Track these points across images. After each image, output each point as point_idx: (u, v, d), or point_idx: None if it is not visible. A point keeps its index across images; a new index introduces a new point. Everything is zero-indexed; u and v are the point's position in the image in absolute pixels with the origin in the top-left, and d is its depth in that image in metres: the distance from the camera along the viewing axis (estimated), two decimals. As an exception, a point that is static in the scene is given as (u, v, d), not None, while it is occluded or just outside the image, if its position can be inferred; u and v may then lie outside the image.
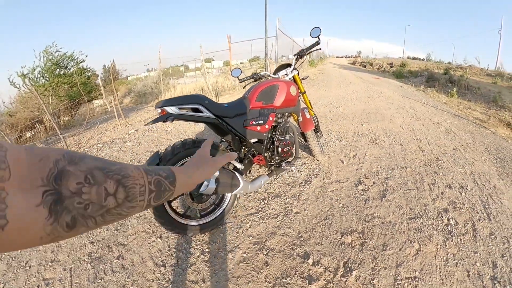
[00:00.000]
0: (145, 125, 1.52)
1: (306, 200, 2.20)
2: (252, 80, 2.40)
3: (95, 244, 1.83)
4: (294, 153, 2.18)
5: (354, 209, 2.06)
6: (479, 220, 1.98)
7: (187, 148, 1.58)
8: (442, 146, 3.41)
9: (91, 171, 0.29)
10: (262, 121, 1.80)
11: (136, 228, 1.96)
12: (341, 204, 2.13)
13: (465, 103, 6.93)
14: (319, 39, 2.28)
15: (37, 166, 0.25)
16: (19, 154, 0.24)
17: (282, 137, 2.02)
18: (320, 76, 12.27)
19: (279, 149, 1.95)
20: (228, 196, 1.85)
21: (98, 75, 10.51)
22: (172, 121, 1.43)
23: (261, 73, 2.38)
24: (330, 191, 2.32)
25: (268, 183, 2.47)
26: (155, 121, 1.45)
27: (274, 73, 2.41)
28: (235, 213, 2.02)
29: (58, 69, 8.72)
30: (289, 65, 2.40)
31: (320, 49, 2.42)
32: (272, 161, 2.03)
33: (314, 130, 2.69)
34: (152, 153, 1.54)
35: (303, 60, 2.44)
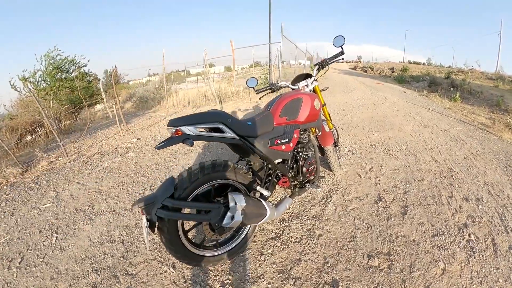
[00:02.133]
0: (157, 147, 1.24)
1: (328, 220, 2.13)
2: (270, 91, 2.27)
3: (99, 272, 1.68)
4: (317, 171, 2.08)
5: (377, 228, 2.05)
6: (498, 234, 2.00)
7: (206, 174, 1.38)
8: (453, 155, 3.45)
9: None
10: (287, 140, 1.68)
11: (144, 255, 1.80)
12: (364, 224, 2.09)
13: (468, 108, 6.97)
14: (342, 48, 2.12)
15: None
16: None
17: (305, 155, 1.93)
18: (323, 82, 12.31)
19: (304, 169, 1.86)
20: None
21: (99, 79, 10.45)
22: (192, 145, 1.25)
23: (280, 83, 2.25)
24: (352, 209, 2.28)
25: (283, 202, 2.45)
26: (169, 143, 1.23)
27: (293, 84, 2.29)
28: (254, 237, 1.87)
29: (59, 73, 8.60)
30: (309, 76, 2.28)
31: (343, 59, 2.30)
32: (295, 181, 1.94)
33: (334, 144, 2.60)
34: (166, 179, 1.33)
35: (325, 70, 2.33)
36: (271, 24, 9.76)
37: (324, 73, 2.39)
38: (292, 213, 2.22)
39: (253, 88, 2.23)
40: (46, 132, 5.96)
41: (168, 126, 1.26)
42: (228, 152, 3.69)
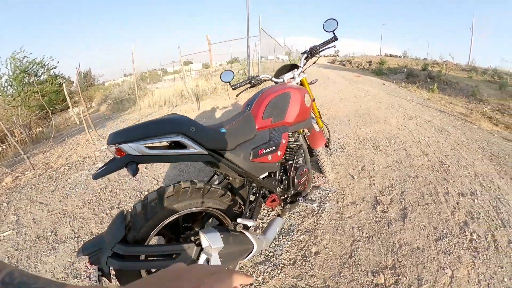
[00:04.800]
0: (94, 177, 0.90)
1: (324, 234, 1.90)
2: (249, 85, 1.89)
3: None
4: (310, 181, 1.76)
5: (379, 238, 1.87)
6: (496, 229, 1.93)
7: (166, 205, 1.01)
8: (441, 147, 3.39)
9: None
10: (274, 147, 1.32)
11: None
12: (364, 234, 1.90)
13: (446, 98, 7.12)
14: (334, 34, 1.75)
15: None
16: None
17: (296, 163, 1.60)
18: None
19: (296, 181, 1.52)
20: None
21: (73, 82, 9.89)
22: (134, 173, 0.89)
23: (261, 76, 1.87)
24: (348, 217, 2.08)
25: (269, 216, 2.13)
26: (108, 168, 0.89)
27: (276, 76, 1.92)
28: (240, 265, 1.59)
29: (27, 77, 8.13)
30: (295, 67, 1.91)
31: (335, 46, 1.89)
32: (286, 196, 1.62)
33: (325, 144, 2.31)
34: (115, 216, 1.00)
35: (314, 60, 1.96)
36: (248, 16, 9.46)
37: (314, 63, 2.05)
38: (282, 228, 1.95)
39: (229, 82, 1.86)
40: (17, 141, 5.44)
41: (107, 143, 0.89)
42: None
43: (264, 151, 1.27)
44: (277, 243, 1.82)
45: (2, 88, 7.69)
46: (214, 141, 1.07)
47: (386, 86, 9.05)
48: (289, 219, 2.06)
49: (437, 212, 2.11)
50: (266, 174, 1.41)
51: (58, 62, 9.06)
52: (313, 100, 2.05)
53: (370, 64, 17.78)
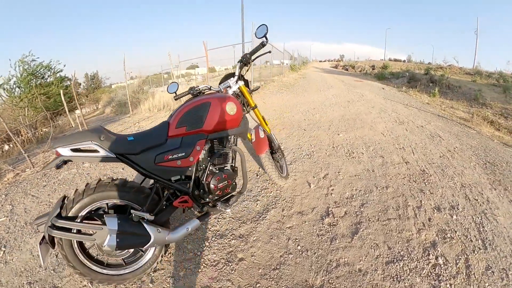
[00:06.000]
0: (41, 170, 1.34)
1: (256, 241, 1.78)
2: (190, 96, 1.93)
3: (32, 285, 1.63)
4: (241, 186, 1.77)
5: (315, 253, 1.63)
6: (474, 252, 1.62)
7: (89, 194, 1.31)
8: (428, 155, 3.06)
9: None
10: (184, 153, 1.43)
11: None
12: (299, 247, 1.70)
13: (447, 103, 6.79)
14: (266, 39, 1.82)
15: None
16: None
17: (216, 169, 1.63)
18: (301, 81, 12.03)
19: (211, 186, 1.55)
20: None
21: (80, 84, 10.36)
22: (58, 167, 1.24)
23: (200, 87, 1.92)
24: (289, 227, 1.88)
25: (216, 218, 2.06)
26: (49, 165, 1.26)
27: (221, 85, 1.98)
28: (170, 257, 1.71)
29: (34, 79, 8.50)
30: (232, 75, 1.97)
31: (270, 52, 2.01)
32: (207, 200, 1.62)
33: (271, 151, 2.28)
34: (59, 198, 1.35)
35: (248, 67, 2.00)
36: (243, 22, 9.43)
37: (247, 70, 2.02)
38: (218, 231, 1.92)
39: (175, 92, 1.95)
40: (23, 139, 5.80)
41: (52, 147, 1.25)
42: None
43: (171, 157, 1.40)
44: (208, 243, 1.81)
45: (10, 90, 8.03)
46: (121, 146, 1.30)
47: (385, 91, 8.73)
48: (227, 223, 2.00)
49: (399, 230, 1.79)
50: (178, 177, 1.53)
51: (64, 65, 9.46)
52: (255, 107, 2.06)
53: (373, 69, 17.46)
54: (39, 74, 8.74)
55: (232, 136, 1.73)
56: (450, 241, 1.69)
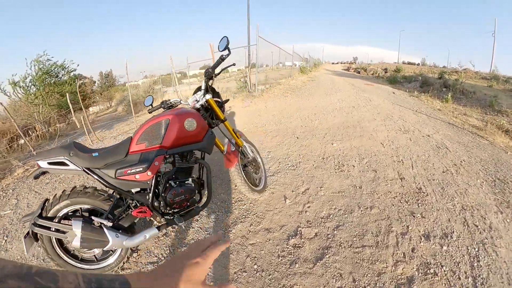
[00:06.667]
0: (26, 179, 1.58)
1: None
2: (162, 109, 2.04)
3: None
4: (205, 199, 1.82)
5: (270, 275, 1.51)
6: None
7: (63, 200, 1.52)
8: (429, 169, 2.79)
9: None
10: (141, 168, 1.53)
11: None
12: (255, 266, 1.62)
13: (460, 109, 6.38)
14: (228, 50, 1.84)
15: None
16: None
17: (175, 183, 1.68)
18: (309, 84, 11.74)
19: (168, 200, 1.62)
20: None
21: (95, 82, 10.94)
22: (37, 177, 1.48)
23: (172, 100, 2.02)
24: (251, 244, 1.80)
25: (185, 227, 2.08)
26: (30, 175, 1.55)
27: (190, 98, 2.05)
28: (138, 258, 1.84)
29: (48, 78, 8.92)
30: (199, 89, 2.00)
31: (234, 64, 2.06)
32: (166, 211, 1.72)
33: (243, 164, 2.25)
34: (42, 200, 1.61)
35: (213, 81, 2.01)
36: (249, 25, 9.36)
37: (211, 84, 2.03)
38: (185, 239, 1.99)
39: (151, 105, 2.08)
40: (37, 135, 6.30)
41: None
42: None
43: (130, 171, 1.52)
44: (172, 250, 1.87)
45: (26, 88, 8.39)
46: (86, 161, 1.47)
47: (395, 95, 8.35)
48: (194, 232, 2.04)
49: (372, 260, 1.57)
50: (138, 189, 1.63)
51: (78, 65, 9.91)
52: (224, 120, 2.05)
53: (385, 72, 16.90)
54: (53, 73, 9.19)
55: (195, 151, 1.77)
56: (432, 278, 1.46)
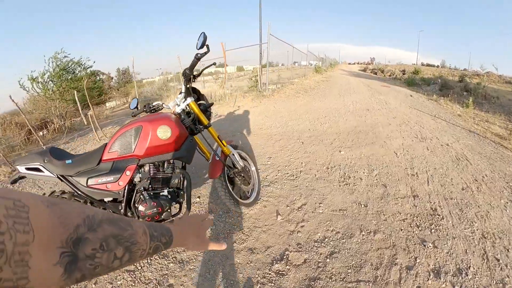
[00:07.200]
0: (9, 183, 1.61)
1: (191, 270, 1.65)
2: (145, 113, 1.93)
3: None
4: (184, 211, 1.74)
5: None
6: None
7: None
8: (446, 186, 2.51)
9: (106, 239, 0.32)
10: (112, 178, 1.50)
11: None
12: None
13: (482, 115, 5.99)
14: (207, 48, 1.65)
15: (57, 229, 0.27)
16: (41, 212, 0.26)
17: (148, 194, 1.57)
18: (323, 85, 11.41)
19: (139, 211, 1.55)
20: None
21: (112, 78, 11.75)
22: (15, 182, 1.51)
23: (154, 103, 1.90)
24: (231, 264, 1.66)
25: None
26: (10, 181, 1.54)
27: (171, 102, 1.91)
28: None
29: (65, 74, 9.38)
30: (180, 93, 1.84)
31: (215, 64, 1.94)
32: None
33: (231, 174, 2.08)
34: None
35: (191, 82, 1.86)
36: (261, 24, 9.19)
37: (189, 86, 1.86)
38: (164, 251, 1.76)
39: (136, 108, 1.98)
40: (54, 128, 6.58)
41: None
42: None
43: (100, 180, 1.49)
44: (151, 260, 1.78)
45: (44, 83, 8.80)
46: (59, 168, 1.46)
47: (413, 99, 7.94)
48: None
49: None
50: (111, 198, 1.60)
51: (94, 62, 10.39)
52: (208, 126, 1.89)
53: (403, 74, 16.31)
54: (70, 70, 9.67)
55: (172, 160, 1.66)
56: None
